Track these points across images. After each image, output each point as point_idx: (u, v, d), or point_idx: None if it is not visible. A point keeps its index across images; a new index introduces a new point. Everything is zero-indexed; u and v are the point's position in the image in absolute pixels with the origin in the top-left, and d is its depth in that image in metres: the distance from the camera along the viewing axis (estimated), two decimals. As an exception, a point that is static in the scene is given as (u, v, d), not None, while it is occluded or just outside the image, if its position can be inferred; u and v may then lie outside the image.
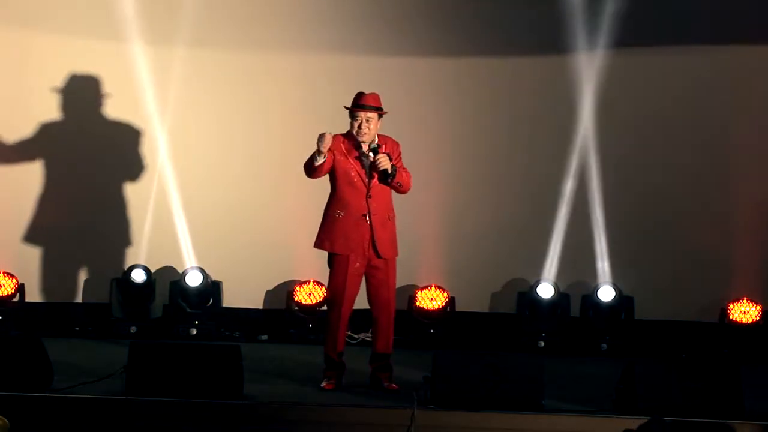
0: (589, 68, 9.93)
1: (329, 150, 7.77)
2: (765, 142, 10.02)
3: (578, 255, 10.03)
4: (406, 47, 10.05)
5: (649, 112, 10.06)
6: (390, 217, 7.92)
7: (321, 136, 7.68)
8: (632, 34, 9.89)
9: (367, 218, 7.82)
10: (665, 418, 6.26)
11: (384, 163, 7.73)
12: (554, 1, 9.83)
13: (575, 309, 9.99)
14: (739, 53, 9.94)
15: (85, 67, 10.02)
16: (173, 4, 9.90)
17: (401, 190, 7.91)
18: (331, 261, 7.95)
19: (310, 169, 7.80)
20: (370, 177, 7.84)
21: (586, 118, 9.99)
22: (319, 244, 7.96)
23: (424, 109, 10.06)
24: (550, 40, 9.94)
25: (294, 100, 10.07)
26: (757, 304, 9.84)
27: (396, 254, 7.99)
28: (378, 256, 7.84)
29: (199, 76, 10.07)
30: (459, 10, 10.00)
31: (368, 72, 9.86)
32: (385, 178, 7.77)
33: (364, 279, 7.96)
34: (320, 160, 7.71)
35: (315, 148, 7.77)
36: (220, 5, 10.02)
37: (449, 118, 10.13)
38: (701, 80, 10.01)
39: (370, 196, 7.83)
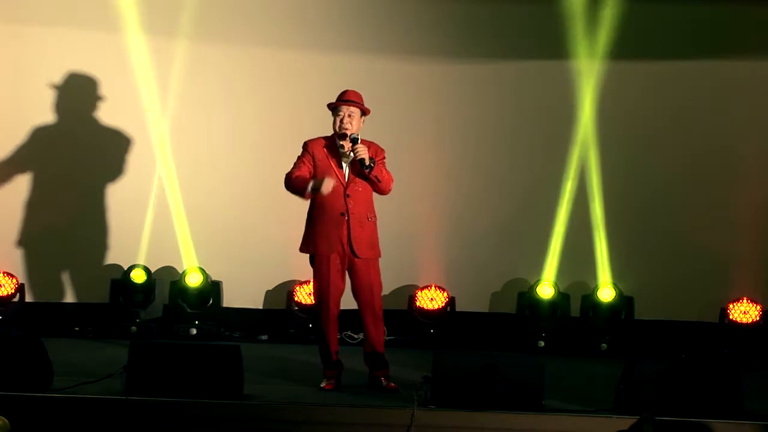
0: (589, 68, 9.94)
1: (309, 154, 7.85)
2: (764, 142, 10.02)
3: (578, 255, 10.03)
4: (407, 48, 10.05)
5: (649, 113, 10.06)
6: (370, 218, 7.87)
7: (325, 182, 7.68)
8: (632, 38, 9.90)
9: (346, 217, 7.81)
10: (657, 418, 6.26)
11: (362, 152, 7.69)
12: (554, 6, 9.84)
13: (575, 309, 9.98)
14: (740, 56, 9.94)
15: (83, 61, 10.01)
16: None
17: (380, 187, 7.84)
18: (313, 261, 7.94)
19: (292, 189, 7.81)
20: (348, 176, 7.82)
21: (586, 119, 10.00)
22: (303, 248, 7.96)
23: (424, 110, 10.06)
24: (551, 42, 9.95)
25: (295, 98, 10.06)
26: (757, 304, 9.84)
27: (376, 255, 7.91)
28: (354, 255, 7.81)
29: (200, 72, 10.06)
30: (459, 11, 10.01)
31: (369, 71, 9.88)
32: (362, 167, 7.73)
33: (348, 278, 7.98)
34: (309, 197, 7.76)
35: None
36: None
37: (449, 118, 10.13)
38: (702, 82, 10.01)
39: (348, 195, 7.81)
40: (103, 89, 10.03)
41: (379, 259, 7.92)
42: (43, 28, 9.95)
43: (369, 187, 7.85)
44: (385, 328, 8.10)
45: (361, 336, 8.65)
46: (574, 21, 9.83)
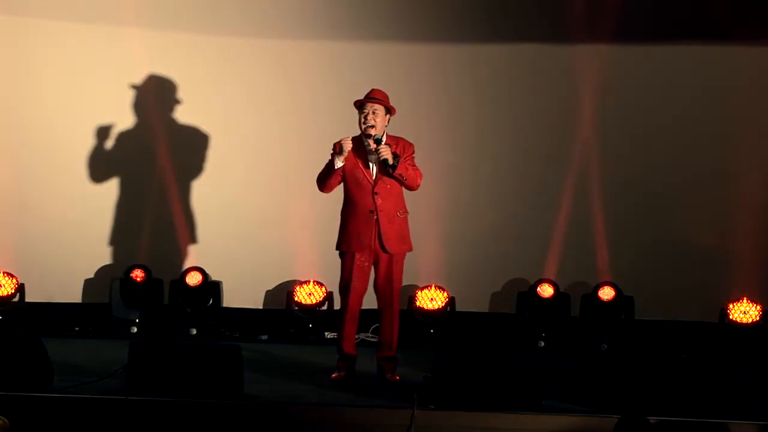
0: (590, 68, 9.94)
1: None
2: (765, 142, 10.02)
3: (578, 255, 10.03)
4: (404, 38, 10.01)
5: (650, 113, 10.05)
6: (399, 213, 8.08)
7: (338, 146, 7.90)
8: (634, 33, 9.90)
9: (375, 215, 7.96)
10: (648, 417, 6.27)
11: (384, 152, 7.88)
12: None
13: (575, 309, 9.98)
14: (741, 52, 9.93)
15: (82, 57, 9.99)
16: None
17: (406, 184, 8.03)
18: (341, 257, 8.14)
19: (327, 176, 8.00)
20: (376, 174, 7.99)
21: (586, 119, 10.00)
22: (338, 246, 8.17)
23: (422, 109, 10.04)
24: (551, 40, 9.95)
25: (296, 97, 10.04)
26: (757, 304, 9.84)
27: (405, 250, 8.15)
28: (385, 251, 8.01)
29: (200, 71, 10.04)
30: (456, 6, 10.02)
31: (370, 61, 9.91)
32: (386, 167, 7.90)
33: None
34: (339, 163, 7.93)
35: (314, 147, 8.19)
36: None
37: (448, 118, 10.12)
38: (702, 81, 9.99)
39: (376, 193, 8.00)
40: (103, 87, 10.02)
41: (408, 253, 8.17)
42: (44, 20, 9.94)
43: (397, 184, 8.03)
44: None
45: (360, 336, 8.75)
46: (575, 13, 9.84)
